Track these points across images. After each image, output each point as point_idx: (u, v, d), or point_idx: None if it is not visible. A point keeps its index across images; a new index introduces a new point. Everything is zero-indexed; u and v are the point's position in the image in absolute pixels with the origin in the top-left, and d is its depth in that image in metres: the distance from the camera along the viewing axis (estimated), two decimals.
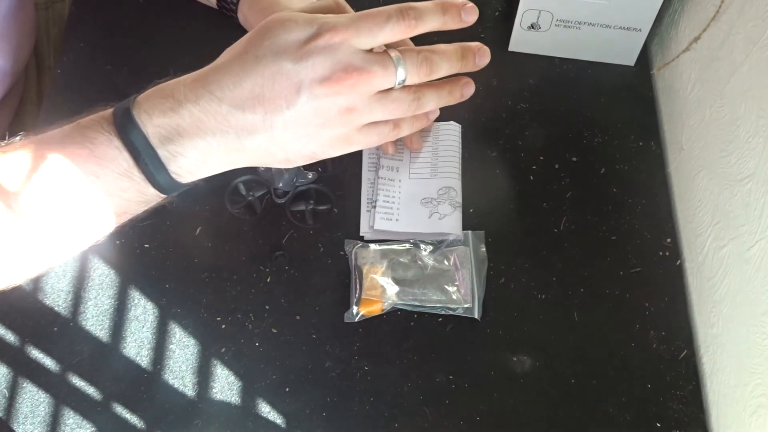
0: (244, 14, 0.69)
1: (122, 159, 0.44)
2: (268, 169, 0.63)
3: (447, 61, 0.48)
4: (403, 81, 0.47)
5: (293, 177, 0.63)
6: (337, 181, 0.66)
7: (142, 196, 0.45)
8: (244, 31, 0.70)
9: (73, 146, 0.44)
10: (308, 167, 0.65)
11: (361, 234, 0.64)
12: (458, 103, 0.69)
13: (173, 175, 0.45)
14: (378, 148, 0.67)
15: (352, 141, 0.48)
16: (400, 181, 0.66)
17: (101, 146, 0.43)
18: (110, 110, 0.45)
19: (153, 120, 0.44)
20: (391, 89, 0.47)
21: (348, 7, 0.53)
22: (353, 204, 0.65)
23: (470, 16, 0.49)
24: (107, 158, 0.43)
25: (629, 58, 0.74)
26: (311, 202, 0.64)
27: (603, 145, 0.70)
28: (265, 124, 0.45)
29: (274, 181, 0.63)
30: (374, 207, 0.64)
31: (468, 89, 0.52)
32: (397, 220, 0.64)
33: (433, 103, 0.50)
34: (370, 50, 0.46)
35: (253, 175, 0.64)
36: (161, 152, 0.44)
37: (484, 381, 0.59)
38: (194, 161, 0.45)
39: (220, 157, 0.46)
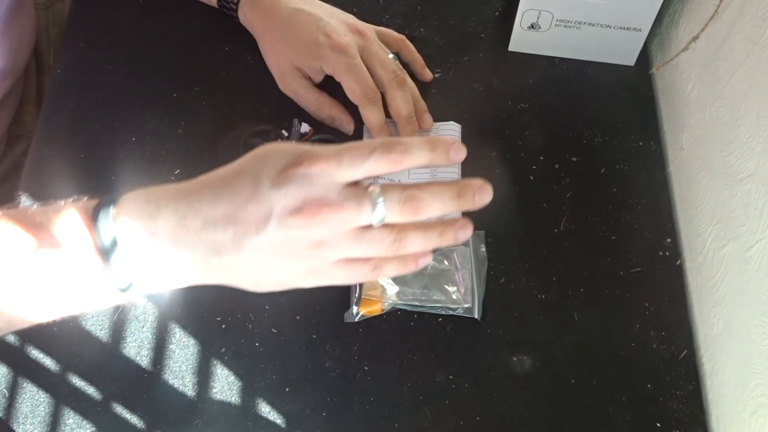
0: (245, 14, 0.69)
1: (91, 256, 0.43)
2: None
3: (439, 200, 0.44)
4: (382, 219, 0.43)
5: None
6: None
7: (104, 295, 0.45)
8: (244, 31, 0.70)
9: (45, 232, 0.43)
10: None
11: None
12: (458, 110, 0.70)
13: (137, 281, 0.44)
14: None
15: (325, 275, 0.45)
16: (399, 181, 0.66)
17: (73, 238, 0.43)
18: (93, 203, 0.44)
19: (130, 222, 0.43)
20: (370, 226, 0.43)
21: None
22: None
23: (458, 154, 0.46)
24: (76, 251, 0.43)
25: (629, 58, 0.74)
26: None
27: (603, 145, 0.70)
28: (233, 245, 0.43)
29: None
30: None
31: (464, 233, 0.46)
32: None
33: (418, 245, 0.45)
34: (355, 183, 0.43)
35: None
36: (130, 256, 0.43)
37: (484, 381, 0.59)
38: (161, 270, 0.44)
39: (186, 271, 0.45)
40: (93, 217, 0.43)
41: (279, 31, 0.66)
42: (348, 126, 0.67)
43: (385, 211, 0.42)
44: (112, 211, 0.43)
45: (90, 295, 0.44)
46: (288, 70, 0.67)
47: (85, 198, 0.45)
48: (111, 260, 0.43)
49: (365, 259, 0.45)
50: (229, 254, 0.43)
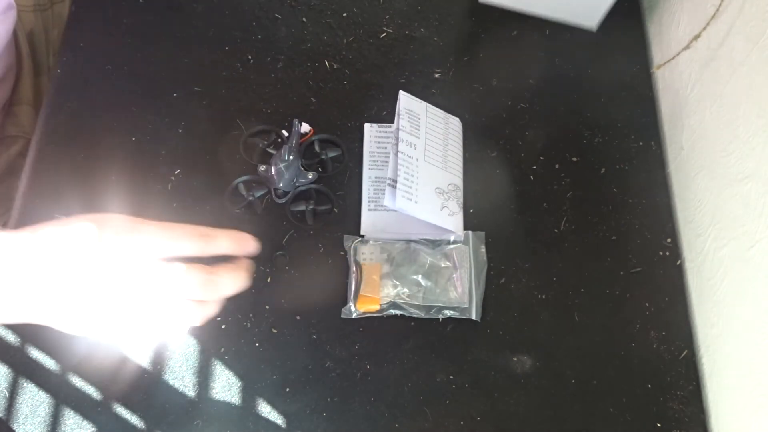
0: None
1: None
2: (268, 169, 0.63)
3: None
4: None
5: (293, 177, 0.63)
6: (337, 181, 0.66)
7: None
8: (244, 30, 0.70)
9: None
10: (308, 167, 0.65)
11: (361, 233, 0.64)
12: (458, 110, 0.69)
13: None
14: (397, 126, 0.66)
15: None
16: (417, 160, 0.64)
17: None
18: None
19: None
20: None
21: None
22: (353, 204, 0.65)
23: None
24: None
25: (591, 20, 0.74)
26: (311, 202, 0.64)
27: (603, 145, 0.70)
28: None
29: (275, 181, 0.63)
30: (395, 185, 0.61)
31: None
32: (416, 202, 0.62)
33: None
34: None
35: (253, 175, 0.64)
36: None
37: (484, 381, 0.59)
38: None
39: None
40: None
41: None
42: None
43: None
44: None
45: None
46: None
47: None
48: None
49: None
50: None
